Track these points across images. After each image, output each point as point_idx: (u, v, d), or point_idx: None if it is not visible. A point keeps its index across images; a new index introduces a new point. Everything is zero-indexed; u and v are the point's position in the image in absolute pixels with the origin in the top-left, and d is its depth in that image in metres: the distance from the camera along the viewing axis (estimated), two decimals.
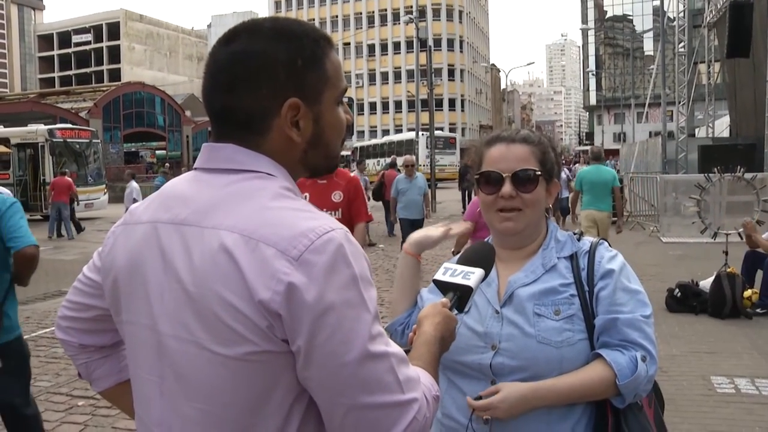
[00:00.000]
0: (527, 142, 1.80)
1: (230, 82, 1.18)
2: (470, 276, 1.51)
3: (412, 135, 50.20)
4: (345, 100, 1.31)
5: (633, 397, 1.64)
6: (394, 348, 1.14)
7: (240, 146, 1.19)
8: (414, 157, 13.35)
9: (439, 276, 1.54)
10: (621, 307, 1.66)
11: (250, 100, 1.17)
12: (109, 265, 1.29)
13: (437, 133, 47.93)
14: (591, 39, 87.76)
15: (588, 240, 1.81)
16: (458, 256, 1.72)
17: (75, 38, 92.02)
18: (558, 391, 1.62)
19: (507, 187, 1.74)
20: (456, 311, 1.49)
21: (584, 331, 1.67)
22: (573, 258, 1.76)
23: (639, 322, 1.66)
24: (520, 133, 1.84)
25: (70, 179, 19.07)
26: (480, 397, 1.64)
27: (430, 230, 1.92)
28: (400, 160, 17.67)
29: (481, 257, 1.61)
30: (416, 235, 1.91)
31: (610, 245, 1.82)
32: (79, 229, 18.52)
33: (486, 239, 1.88)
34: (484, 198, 1.80)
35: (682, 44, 22.46)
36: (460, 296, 1.49)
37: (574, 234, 1.84)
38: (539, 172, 1.76)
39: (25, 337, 7.36)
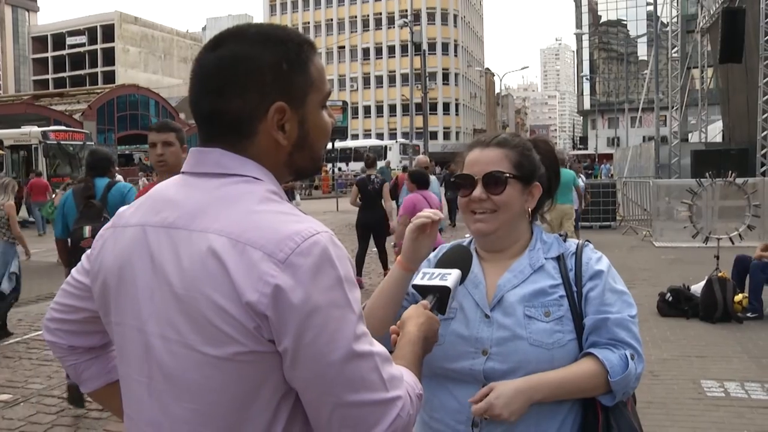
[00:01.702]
0: (501, 146, 1.82)
1: (218, 86, 1.20)
2: (447, 277, 1.55)
3: (382, 142, 50.26)
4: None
5: (623, 395, 1.67)
6: (378, 347, 1.17)
7: (227, 150, 1.22)
8: (428, 158, 12.01)
9: (417, 281, 1.59)
10: (610, 308, 1.70)
11: (237, 103, 1.19)
12: (97, 267, 1.31)
13: (404, 141, 48.21)
14: (585, 44, 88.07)
15: (573, 242, 1.85)
16: (436, 260, 1.75)
17: (69, 40, 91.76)
18: (550, 383, 1.64)
19: (478, 190, 1.77)
20: (438, 313, 1.52)
21: (573, 332, 1.70)
22: (560, 259, 1.78)
23: (627, 321, 1.70)
24: (498, 138, 1.86)
25: (46, 180, 20.60)
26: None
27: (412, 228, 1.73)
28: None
29: (458, 258, 1.65)
30: (411, 246, 1.73)
31: (585, 241, 1.86)
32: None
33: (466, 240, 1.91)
34: (460, 200, 1.84)
35: (675, 49, 22.59)
36: (440, 298, 1.52)
37: (560, 236, 1.87)
38: (508, 174, 1.77)
39: (17, 339, 7.40)
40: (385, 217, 10.18)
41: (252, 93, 1.19)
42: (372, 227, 10.29)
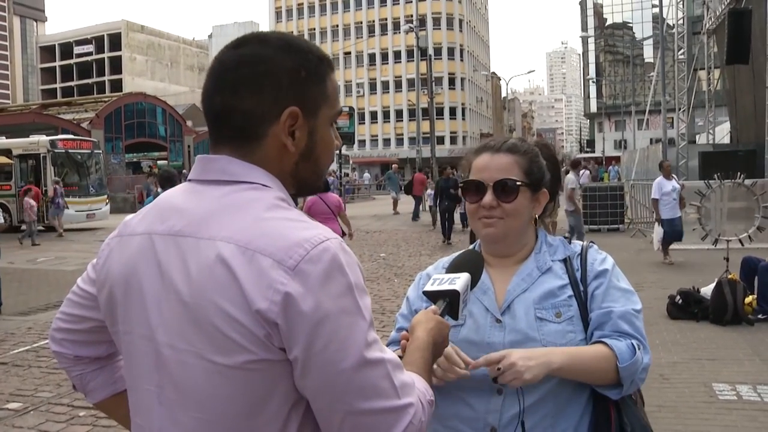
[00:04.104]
0: (512, 152, 1.80)
1: (235, 82, 1.20)
2: (456, 281, 1.53)
3: None
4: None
5: (630, 384, 1.66)
6: (390, 354, 1.16)
7: (234, 157, 1.21)
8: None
9: (427, 287, 1.57)
10: (614, 303, 1.71)
11: (251, 102, 1.19)
12: (104, 276, 1.30)
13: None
14: (591, 47, 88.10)
15: (578, 243, 1.85)
16: (448, 265, 1.74)
17: (77, 49, 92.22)
18: (564, 351, 1.63)
19: (488, 197, 1.76)
20: (449, 318, 1.50)
21: (583, 332, 1.70)
22: (566, 261, 1.79)
23: (630, 315, 1.70)
24: (507, 143, 1.84)
25: (38, 189, 22.30)
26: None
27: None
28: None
29: (467, 263, 1.64)
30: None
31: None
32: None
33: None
34: (468, 207, 1.82)
35: (681, 51, 22.56)
36: (450, 302, 1.51)
37: (565, 237, 1.87)
38: (520, 182, 1.76)
39: (26, 348, 7.43)
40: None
41: (267, 94, 1.20)
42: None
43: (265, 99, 1.20)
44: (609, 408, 1.69)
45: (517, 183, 1.75)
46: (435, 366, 1.58)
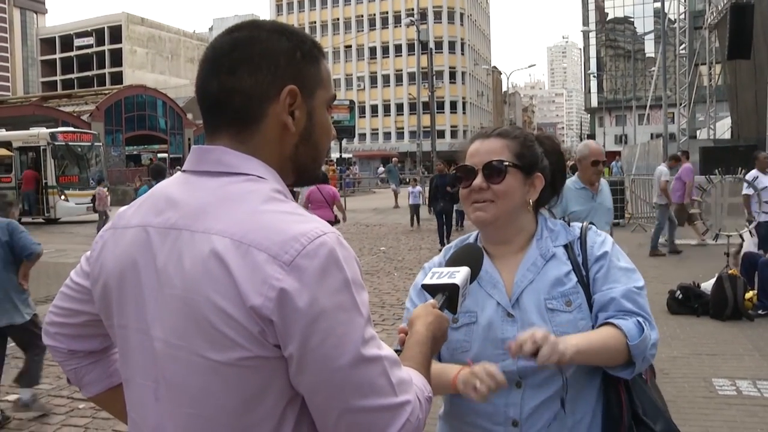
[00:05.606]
0: (502, 136, 1.82)
1: (231, 64, 1.19)
2: (456, 275, 1.52)
3: None
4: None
5: (642, 361, 1.66)
6: (387, 351, 1.14)
7: (231, 145, 1.20)
8: (600, 147, 6.00)
9: (426, 280, 1.56)
10: (615, 283, 1.71)
11: (250, 81, 1.18)
12: (98, 270, 1.28)
13: None
14: (592, 41, 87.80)
15: (577, 225, 1.85)
16: (446, 258, 1.74)
17: (77, 41, 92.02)
18: (578, 335, 1.63)
19: (478, 179, 1.77)
20: (448, 312, 1.49)
21: (590, 317, 1.72)
22: (568, 246, 1.79)
23: (633, 293, 1.71)
24: (498, 129, 1.86)
25: (36, 172, 23.52)
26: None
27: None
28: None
29: (467, 256, 1.63)
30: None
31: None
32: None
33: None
34: (461, 192, 1.82)
35: (683, 46, 22.53)
36: (449, 296, 1.50)
37: (563, 220, 1.87)
38: (508, 163, 1.76)
39: None
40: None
41: (265, 73, 1.18)
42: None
43: (264, 78, 1.18)
44: (620, 390, 1.70)
45: (505, 164, 1.76)
46: (478, 384, 1.52)
